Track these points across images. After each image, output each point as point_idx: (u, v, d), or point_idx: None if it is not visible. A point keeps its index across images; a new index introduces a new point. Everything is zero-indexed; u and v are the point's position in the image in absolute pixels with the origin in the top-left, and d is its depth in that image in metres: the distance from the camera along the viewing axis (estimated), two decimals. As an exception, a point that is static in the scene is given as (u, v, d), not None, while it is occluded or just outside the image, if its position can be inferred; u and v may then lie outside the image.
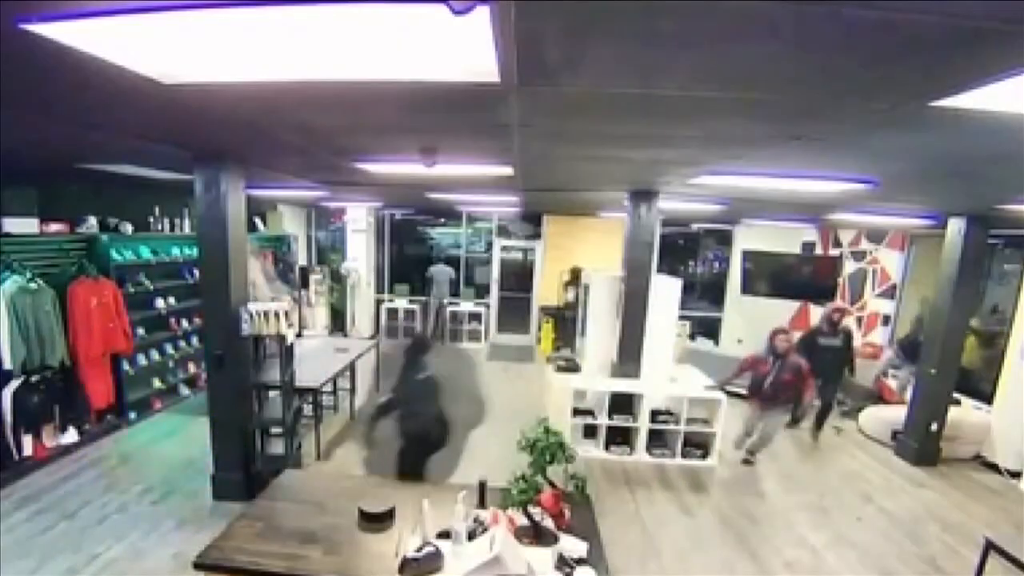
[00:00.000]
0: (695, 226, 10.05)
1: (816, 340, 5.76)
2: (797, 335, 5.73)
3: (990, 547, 2.98)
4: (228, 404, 3.96)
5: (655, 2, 1.06)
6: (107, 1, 1.13)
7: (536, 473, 2.40)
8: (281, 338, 4.00)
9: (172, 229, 6.11)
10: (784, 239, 8.82)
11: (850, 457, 5.60)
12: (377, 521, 2.45)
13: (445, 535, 2.28)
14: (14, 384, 4.25)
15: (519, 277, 10.35)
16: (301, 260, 9.39)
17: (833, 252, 8.23)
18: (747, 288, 9.20)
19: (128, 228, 5.43)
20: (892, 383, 6.78)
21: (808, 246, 8.66)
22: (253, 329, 3.86)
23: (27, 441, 4.36)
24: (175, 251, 6.05)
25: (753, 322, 9.00)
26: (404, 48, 1.36)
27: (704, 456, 5.06)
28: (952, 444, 5.43)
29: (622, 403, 5.08)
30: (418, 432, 3.19)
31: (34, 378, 4.40)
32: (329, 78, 1.62)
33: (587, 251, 9.49)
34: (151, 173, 4.48)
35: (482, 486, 2.67)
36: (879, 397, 7.03)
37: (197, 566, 2.19)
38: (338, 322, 9.66)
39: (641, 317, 5.04)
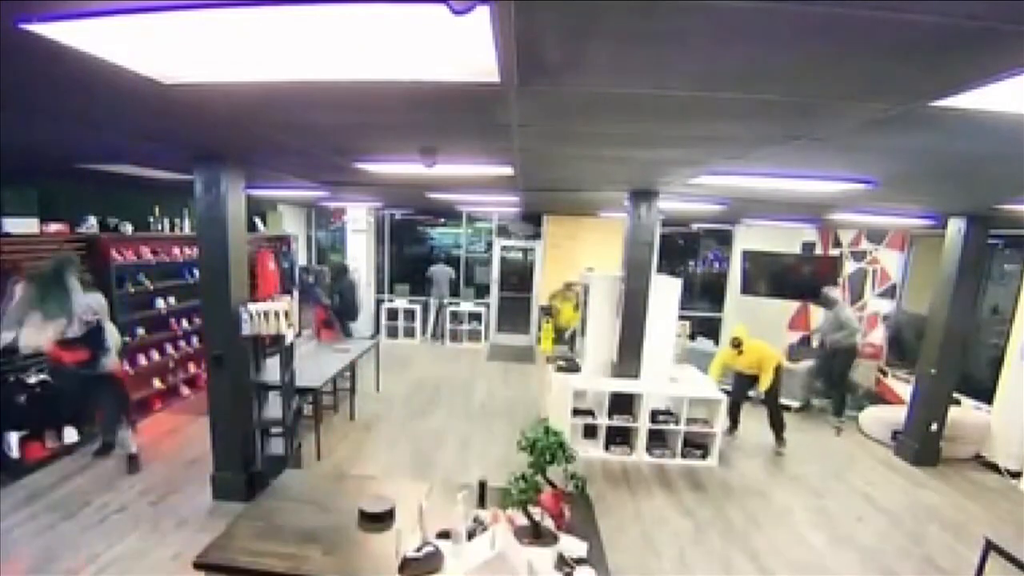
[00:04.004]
0: (695, 226, 10.05)
1: None
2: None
3: (990, 547, 2.98)
4: (228, 404, 3.96)
5: (655, 2, 1.06)
6: (107, 1, 1.13)
7: (536, 473, 2.40)
8: (280, 338, 4.01)
9: (172, 229, 6.11)
10: (784, 239, 8.82)
11: (850, 457, 5.60)
12: (377, 521, 2.45)
13: (445, 535, 2.28)
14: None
15: (519, 277, 10.36)
16: (301, 260, 9.40)
17: (833, 252, 8.23)
18: (747, 288, 9.19)
19: (128, 228, 5.43)
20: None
21: (808, 246, 8.66)
22: (253, 329, 3.86)
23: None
24: (175, 251, 6.05)
25: (753, 322, 9.01)
26: (404, 48, 1.36)
27: (704, 456, 5.06)
28: (952, 444, 5.44)
29: (622, 403, 5.08)
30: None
31: (33, 379, 4.40)
32: (329, 78, 1.62)
33: (587, 251, 9.49)
34: (151, 173, 4.48)
35: (482, 486, 2.67)
36: (879, 397, 7.03)
37: (197, 566, 2.19)
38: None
39: (641, 317, 5.04)
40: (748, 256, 9.20)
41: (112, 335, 4.42)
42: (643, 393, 4.98)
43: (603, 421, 5.09)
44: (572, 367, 5.68)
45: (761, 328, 8.76)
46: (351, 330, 7.98)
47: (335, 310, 7.92)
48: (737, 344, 5.56)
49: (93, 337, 4.21)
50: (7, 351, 4.03)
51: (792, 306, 8.72)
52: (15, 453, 4.24)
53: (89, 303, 4.19)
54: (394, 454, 5.11)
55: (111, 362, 4.38)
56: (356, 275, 8.90)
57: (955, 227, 5.10)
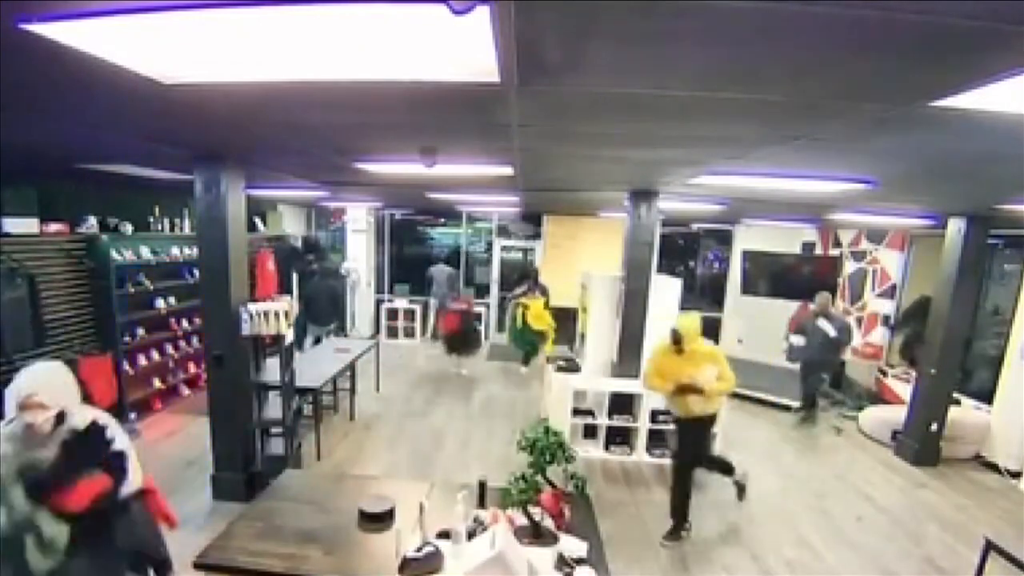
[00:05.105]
0: (695, 226, 10.05)
1: None
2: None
3: (990, 547, 2.98)
4: (228, 404, 3.96)
5: (655, 2, 1.06)
6: (107, 1, 1.13)
7: (536, 473, 2.40)
8: (280, 338, 4.00)
9: (172, 229, 6.11)
10: (784, 239, 8.81)
11: (850, 457, 5.60)
12: (377, 521, 2.45)
13: (445, 535, 2.28)
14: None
15: (519, 277, 10.35)
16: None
17: (833, 252, 8.23)
18: (747, 288, 9.19)
19: (128, 228, 5.43)
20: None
21: (808, 246, 8.65)
22: (253, 329, 3.85)
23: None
24: (175, 251, 6.06)
25: (753, 322, 9.01)
26: (404, 48, 1.37)
27: (704, 456, 5.05)
28: (952, 444, 5.43)
29: (622, 403, 5.08)
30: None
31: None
32: (329, 78, 1.62)
33: (587, 251, 9.49)
34: (151, 173, 4.48)
35: (482, 486, 2.67)
36: (879, 397, 7.04)
37: (197, 566, 2.20)
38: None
39: (641, 317, 5.04)
40: (748, 256, 9.19)
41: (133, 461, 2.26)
42: (643, 393, 4.97)
43: (603, 421, 5.08)
44: (572, 367, 5.68)
45: (761, 328, 8.81)
46: (307, 332, 7.40)
47: (306, 304, 7.58)
48: (677, 340, 3.58)
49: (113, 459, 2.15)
50: None
51: (792, 306, 8.71)
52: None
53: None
54: (394, 454, 5.11)
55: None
56: (352, 278, 8.72)
57: (955, 227, 5.09)
